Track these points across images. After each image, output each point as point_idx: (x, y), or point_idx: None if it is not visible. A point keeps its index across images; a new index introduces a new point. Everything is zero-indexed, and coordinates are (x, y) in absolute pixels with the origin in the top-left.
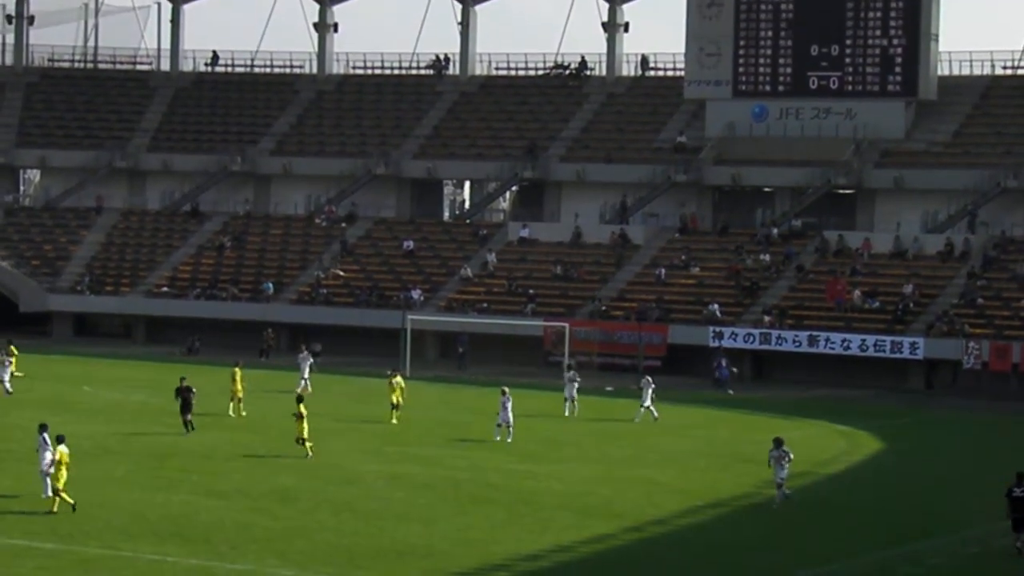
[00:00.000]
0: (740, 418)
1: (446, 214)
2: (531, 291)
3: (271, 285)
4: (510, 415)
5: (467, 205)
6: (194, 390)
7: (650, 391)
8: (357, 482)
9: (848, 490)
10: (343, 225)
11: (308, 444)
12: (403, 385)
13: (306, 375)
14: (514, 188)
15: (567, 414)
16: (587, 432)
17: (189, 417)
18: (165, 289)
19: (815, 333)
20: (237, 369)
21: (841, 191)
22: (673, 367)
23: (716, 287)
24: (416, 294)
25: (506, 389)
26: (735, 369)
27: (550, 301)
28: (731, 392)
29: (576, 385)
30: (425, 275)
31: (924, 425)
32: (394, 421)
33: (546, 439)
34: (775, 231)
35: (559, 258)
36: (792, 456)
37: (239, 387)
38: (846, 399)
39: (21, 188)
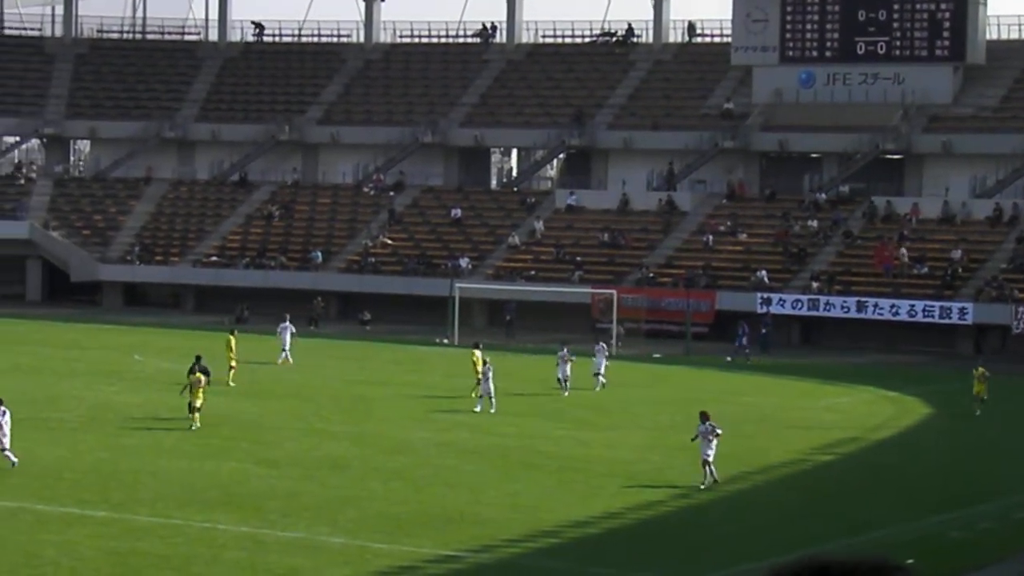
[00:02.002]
0: (789, 384)
1: (493, 182)
2: (578, 258)
3: (319, 254)
4: (491, 385)
5: (514, 173)
6: (209, 374)
7: (604, 358)
8: (406, 450)
9: (897, 456)
10: (391, 194)
11: (196, 415)
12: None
13: (287, 347)
14: (561, 156)
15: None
16: (637, 399)
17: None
18: (214, 258)
19: (863, 299)
20: (231, 337)
21: (889, 156)
22: (721, 333)
23: (764, 253)
24: (464, 262)
25: (487, 359)
26: (764, 330)
27: (597, 268)
28: (751, 358)
29: (570, 365)
30: (473, 243)
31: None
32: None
33: (595, 406)
34: (823, 197)
35: (606, 225)
36: (721, 431)
37: (233, 355)
38: (894, 365)
39: (72, 159)
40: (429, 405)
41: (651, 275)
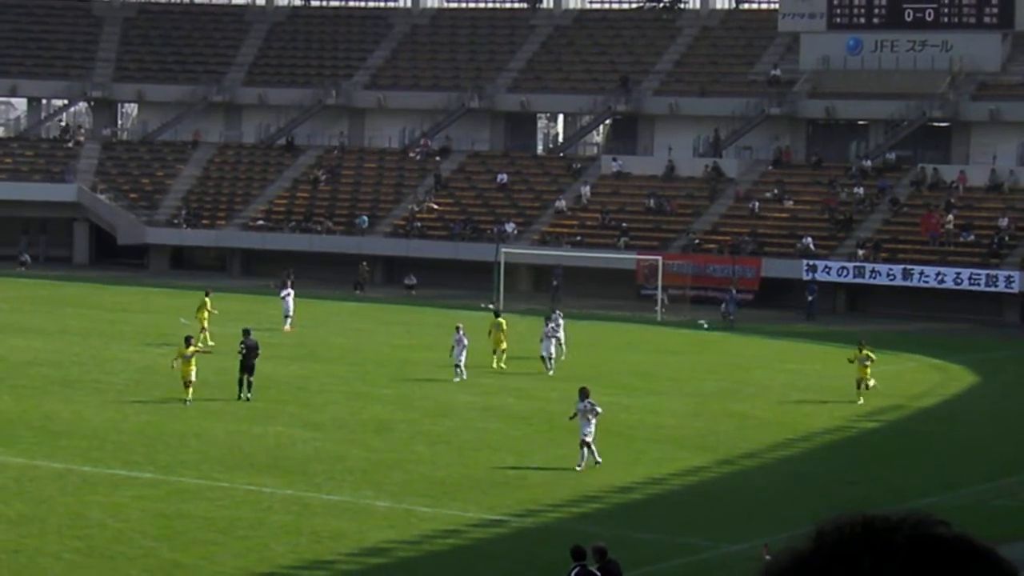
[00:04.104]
0: (834, 352)
1: (540, 147)
2: (624, 224)
3: (366, 219)
4: (464, 355)
5: (560, 138)
6: (259, 347)
7: (560, 328)
8: (451, 414)
9: (943, 424)
10: (437, 158)
11: (190, 390)
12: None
13: (291, 312)
14: (607, 121)
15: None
16: (681, 365)
17: (251, 379)
18: (260, 222)
19: (909, 267)
20: (207, 298)
21: (936, 124)
22: (766, 300)
23: (810, 220)
24: (510, 227)
25: (460, 325)
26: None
27: (643, 234)
28: (703, 324)
29: (554, 342)
30: (519, 208)
31: (1020, 359)
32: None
33: (640, 372)
34: (869, 164)
35: (652, 191)
36: (600, 410)
37: (204, 316)
38: (940, 333)
39: (119, 122)
40: (474, 369)
41: (696, 241)
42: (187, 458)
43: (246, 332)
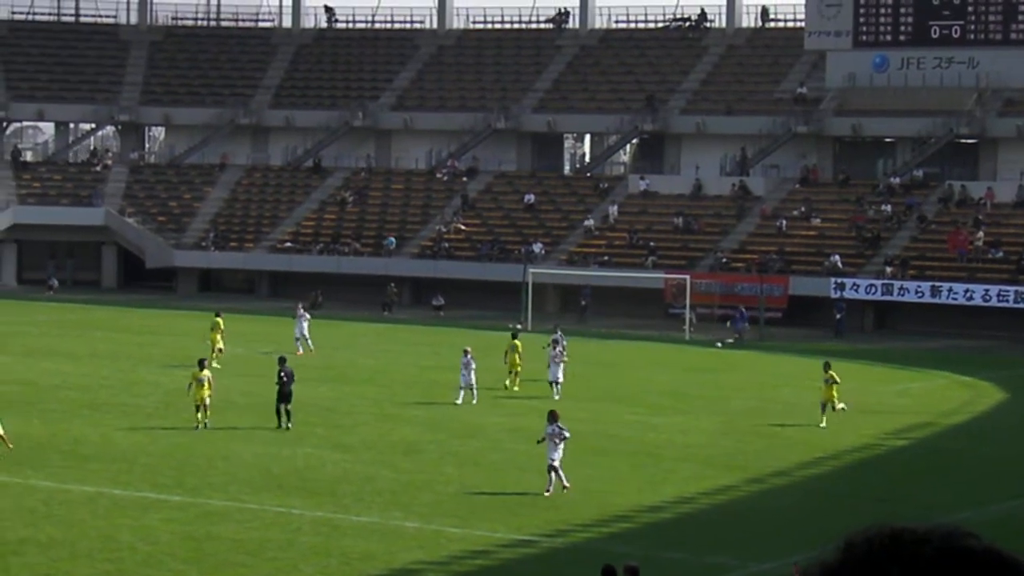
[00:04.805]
0: (863, 369)
1: (567, 167)
2: (652, 243)
3: (393, 240)
4: (473, 377)
5: (587, 158)
6: (294, 376)
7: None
8: (479, 435)
9: (972, 440)
10: (464, 179)
11: (207, 412)
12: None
13: (304, 333)
14: (634, 141)
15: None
16: (710, 384)
17: (289, 407)
18: (288, 244)
19: (937, 284)
20: (219, 319)
21: (963, 141)
22: (794, 319)
23: (837, 238)
24: (537, 247)
25: (468, 349)
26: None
27: (671, 253)
28: (730, 341)
29: (563, 366)
30: (546, 228)
31: None
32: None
33: (668, 391)
34: (896, 181)
35: (680, 210)
36: (568, 434)
37: (218, 337)
38: (969, 350)
39: (146, 146)
40: (502, 390)
41: (724, 260)
42: (215, 480)
43: (282, 360)
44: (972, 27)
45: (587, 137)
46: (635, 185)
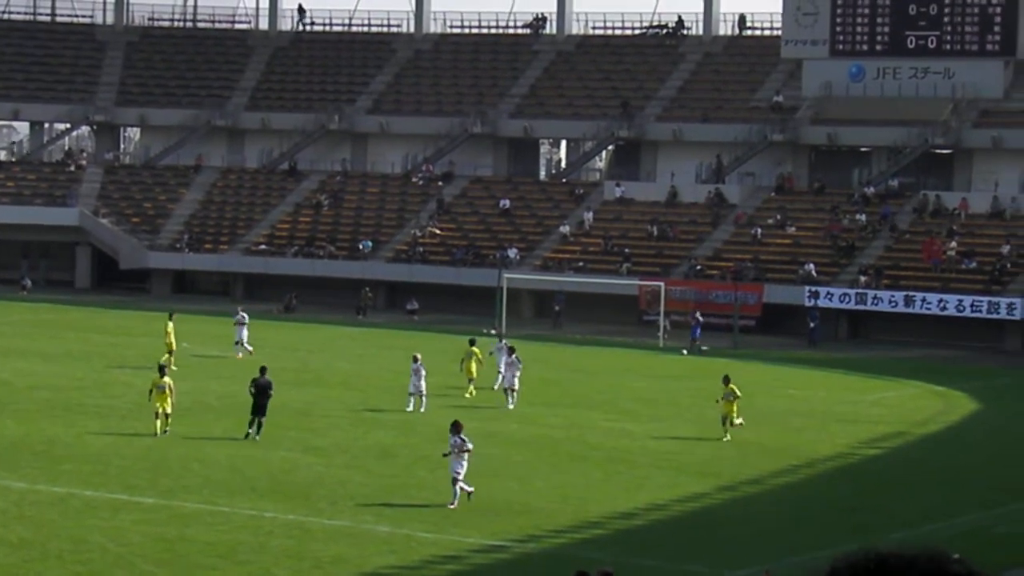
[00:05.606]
0: (837, 378)
1: (542, 173)
2: (627, 250)
3: (368, 243)
4: (423, 384)
5: (563, 164)
6: (272, 387)
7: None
8: None
9: (944, 450)
10: (440, 184)
11: (167, 421)
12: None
13: (243, 338)
14: (610, 147)
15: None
16: (683, 391)
17: (262, 419)
18: (263, 247)
19: (911, 293)
20: (170, 321)
21: (938, 151)
22: (769, 327)
23: (812, 247)
24: (512, 253)
25: (418, 356)
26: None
27: (646, 260)
28: (684, 352)
29: (519, 373)
30: (521, 234)
31: (1021, 386)
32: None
33: (642, 398)
34: (871, 191)
35: (655, 217)
36: (471, 447)
37: (172, 339)
38: (942, 359)
39: (122, 146)
40: (477, 395)
41: (699, 267)
42: (189, 483)
43: (262, 370)
44: (948, 38)
45: (563, 143)
46: (611, 191)
